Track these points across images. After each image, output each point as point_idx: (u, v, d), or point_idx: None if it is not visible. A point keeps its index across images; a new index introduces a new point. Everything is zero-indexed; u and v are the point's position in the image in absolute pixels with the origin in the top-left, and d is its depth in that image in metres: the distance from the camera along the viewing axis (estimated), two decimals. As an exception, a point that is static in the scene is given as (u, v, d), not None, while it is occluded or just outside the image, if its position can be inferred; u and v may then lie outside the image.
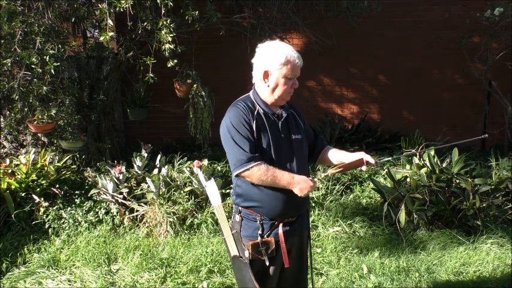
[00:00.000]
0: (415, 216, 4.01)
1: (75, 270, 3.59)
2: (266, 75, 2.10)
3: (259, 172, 2.02)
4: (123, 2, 3.71)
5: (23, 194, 4.26)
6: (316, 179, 2.11)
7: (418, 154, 4.32)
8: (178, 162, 4.80)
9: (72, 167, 4.98)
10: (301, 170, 2.14)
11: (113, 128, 5.57)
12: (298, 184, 2.06)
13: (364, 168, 2.18)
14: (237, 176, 2.09)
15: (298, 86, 2.16)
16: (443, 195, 3.93)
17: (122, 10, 3.77)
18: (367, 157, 2.16)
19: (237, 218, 2.17)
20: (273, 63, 2.06)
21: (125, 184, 4.33)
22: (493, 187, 3.98)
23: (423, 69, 6.32)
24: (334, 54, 6.16)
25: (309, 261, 2.39)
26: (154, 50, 4.16)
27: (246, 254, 2.11)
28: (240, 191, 2.15)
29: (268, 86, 2.11)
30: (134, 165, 4.57)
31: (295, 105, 2.35)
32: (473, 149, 6.03)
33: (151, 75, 4.11)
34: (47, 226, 4.12)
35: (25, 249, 3.89)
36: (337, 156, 2.29)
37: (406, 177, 4.21)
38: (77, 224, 4.13)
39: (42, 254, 3.82)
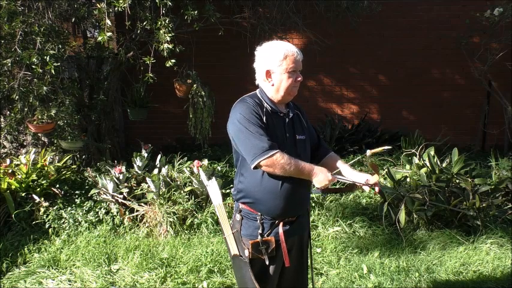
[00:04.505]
0: (415, 216, 4.01)
1: (76, 270, 3.59)
2: (268, 74, 2.10)
3: (282, 160, 1.96)
4: (121, 1, 3.70)
5: (23, 194, 4.27)
6: (336, 177, 2.05)
7: (418, 154, 4.33)
8: (178, 162, 4.80)
9: (73, 167, 4.99)
10: None
11: (112, 128, 5.56)
12: (318, 175, 2.02)
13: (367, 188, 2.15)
14: (255, 167, 1.99)
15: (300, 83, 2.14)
16: (443, 195, 3.93)
17: (120, 10, 3.77)
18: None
19: (238, 217, 2.17)
20: (272, 61, 2.07)
21: (125, 184, 4.33)
22: (492, 187, 3.98)
23: (423, 69, 6.32)
24: (334, 54, 6.17)
25: (309, 261, 2.40)
26: (154, 50, 4.16)
27: (246, 253, 2.10)
28: (242, 186, 2.14)
29: (273, 85, 2.11)
30: (134, 165, 4.57)
31: (300, 106, 2.35)
32: (473, 148, 6.04)
33: (151, 75, 4.11)
34: (47, 226, 4.12)
35: (25, 249, 3.89)
36: (344, 169, 2.22)
37: (406, 177, 4.22)
38: (77, 224, 4.13)
39: (43, 254, 3.82)
